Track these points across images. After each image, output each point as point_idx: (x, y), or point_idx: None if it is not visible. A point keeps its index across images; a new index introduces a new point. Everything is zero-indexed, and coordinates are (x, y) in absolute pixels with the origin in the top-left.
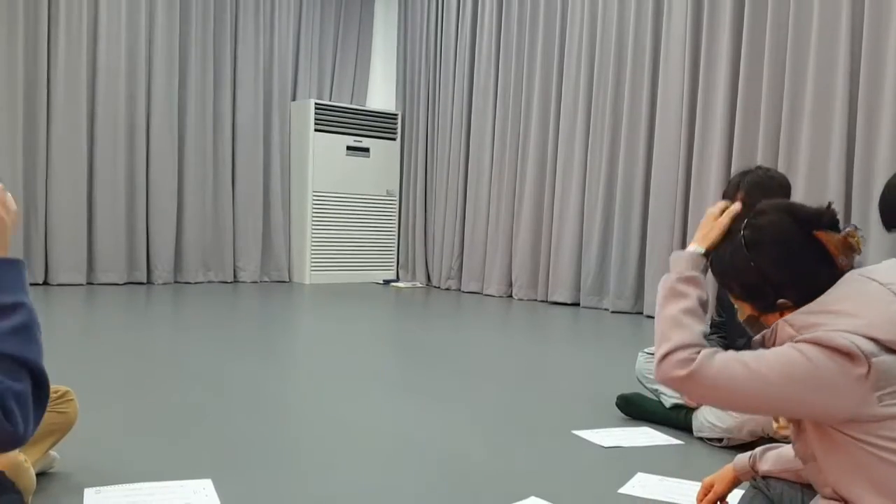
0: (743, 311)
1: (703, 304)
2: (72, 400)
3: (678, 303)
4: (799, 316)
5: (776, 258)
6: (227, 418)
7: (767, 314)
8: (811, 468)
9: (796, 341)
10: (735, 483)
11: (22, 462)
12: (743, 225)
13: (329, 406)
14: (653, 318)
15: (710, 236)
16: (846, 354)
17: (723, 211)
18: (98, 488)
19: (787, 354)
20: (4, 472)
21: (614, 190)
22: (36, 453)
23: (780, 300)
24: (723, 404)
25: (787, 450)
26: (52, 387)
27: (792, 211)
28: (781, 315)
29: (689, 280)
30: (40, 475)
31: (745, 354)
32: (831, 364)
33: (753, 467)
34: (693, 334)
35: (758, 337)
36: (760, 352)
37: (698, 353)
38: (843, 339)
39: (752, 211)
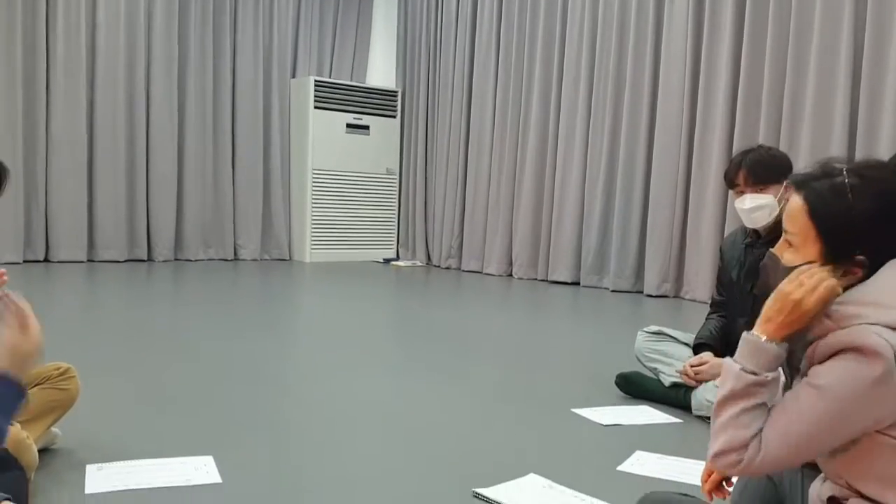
0: (794, 258)
1: (770, 403)
2: (73, 377)
3: (745, 402)
4: (839, 308)
5: (876, 213)
6: (228, 395)
7: (834, 263)
8: (824, 460)
9: (815, 364)
10: None
11: (24, 439)
12: (845, 169)
13: (329, 383)
14: (652, 297)
15: (785, 328)
16: (872, 353)
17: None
18: (100, 465)
19: (811, 403)
20: (7, 449)
21: (615, 168)
22: (38, 430)
23: (858, 256)
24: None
25: None
26: (54, 363)
27: None
28: (844, 275)
29: (765, 384)
30: (42, 452)
31: (780, 421)
32: (859, 368)
33: None
34: (746, 434)
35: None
36: (791, 412)
37: (746, 450)
38: (872, 338)
39: (861, 162)
